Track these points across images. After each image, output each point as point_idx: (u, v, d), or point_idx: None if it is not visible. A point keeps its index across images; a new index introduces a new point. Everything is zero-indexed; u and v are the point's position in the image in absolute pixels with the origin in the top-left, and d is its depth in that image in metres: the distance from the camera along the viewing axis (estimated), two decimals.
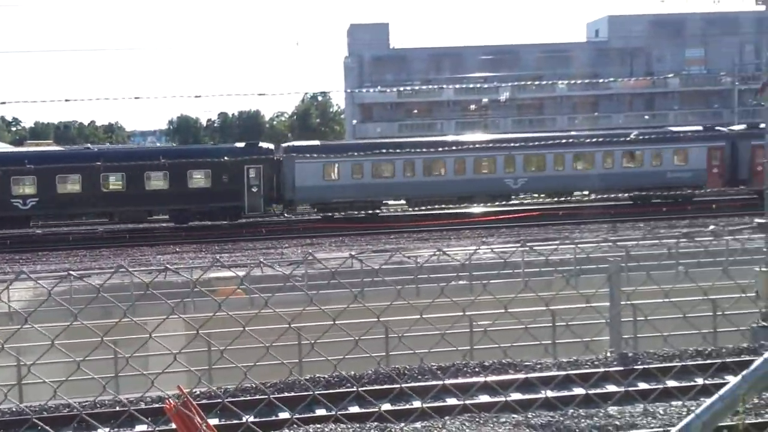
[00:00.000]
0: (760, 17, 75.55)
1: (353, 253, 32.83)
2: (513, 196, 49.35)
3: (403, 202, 49.68)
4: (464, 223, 43.92)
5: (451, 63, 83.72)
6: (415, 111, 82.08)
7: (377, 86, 77.55)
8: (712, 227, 35.14)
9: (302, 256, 30.93)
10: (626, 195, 48.82)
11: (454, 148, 47.84)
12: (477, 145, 48.66)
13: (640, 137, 49.07)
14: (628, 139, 48.60)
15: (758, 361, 2.91)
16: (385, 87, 76.32)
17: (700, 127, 52.49)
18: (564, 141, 48.49)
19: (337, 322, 3.45)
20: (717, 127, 52.19)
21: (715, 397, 2.91)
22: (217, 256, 33.19)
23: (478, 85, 76.63)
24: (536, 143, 48.04)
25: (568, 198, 49.81)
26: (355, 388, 13.94)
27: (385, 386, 14.50)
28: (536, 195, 50.44)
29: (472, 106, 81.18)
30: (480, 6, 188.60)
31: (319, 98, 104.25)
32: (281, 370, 15.17)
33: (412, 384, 14.83)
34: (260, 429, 12.39)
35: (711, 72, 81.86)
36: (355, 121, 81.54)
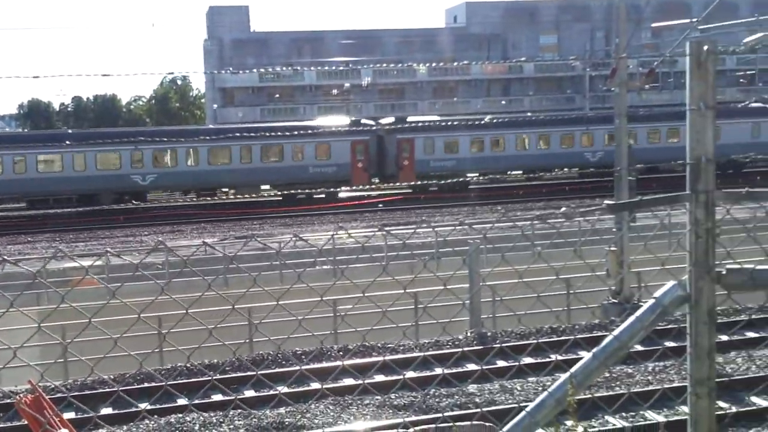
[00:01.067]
0: (610, 4, 78.50)
1: (214, 240, 32.40)
2: (145, 194, 47.31)
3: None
4: (328, 208, 44.00)
5: (313, 47, 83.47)
6: (277, 95, 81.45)
7: (238, 70, 76.56)
8: (563, 209, 36.35)
9: (157, 243, 30.28)
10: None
11: (69, 142, 44.86)
12: (99, 140, 45.11)
13: (287, 132, 47.48)
14: (272, 134, 47.27)
15: (608, 338, 3.01)
16: (242, 70, 75.38)
17: (345, 122, 52.32)
18: (201, 136, 47.26)
19: (192, 311, 3.39)
20: (363, 121, 52.26)
21: (567, 374, 3.01)
22: (60, 245, 32.12)
23: (339, 68, 76.80)
24: (167, 137, 46.34)
25: (211, 196, 48.31)
26: (210, 377, 13.81)
27: (248, 373, 14.41)
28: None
29: (335, 91, 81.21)
30: None
31: (179, 82, 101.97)
32: (146, 360, 14.87)
33: (276, 370, 14.81)
34: (119, 421, 12.16)
35: (564, 58, 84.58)
36: (216, 106, 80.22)
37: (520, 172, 52.97)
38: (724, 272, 2.93)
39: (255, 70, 75.95)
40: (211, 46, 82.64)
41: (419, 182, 44.94)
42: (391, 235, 24.71)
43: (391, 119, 53.81)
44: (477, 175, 51.27)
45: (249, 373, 14.30)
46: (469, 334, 16.58)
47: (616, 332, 3.00)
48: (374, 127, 50.24)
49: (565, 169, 51.06)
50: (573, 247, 21.60)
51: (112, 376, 14.56)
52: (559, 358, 12.69)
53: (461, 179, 47.69)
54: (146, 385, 14.08)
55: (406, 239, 24.67)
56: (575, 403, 3.29)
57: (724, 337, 14.59)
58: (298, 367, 14.13)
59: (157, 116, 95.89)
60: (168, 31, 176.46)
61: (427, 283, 16.91)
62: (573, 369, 3.00)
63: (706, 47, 2.84)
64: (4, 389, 12.92)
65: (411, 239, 27.46)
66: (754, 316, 16.83)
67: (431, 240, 26.65)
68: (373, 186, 49.73)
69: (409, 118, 54.17)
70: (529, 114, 58.35)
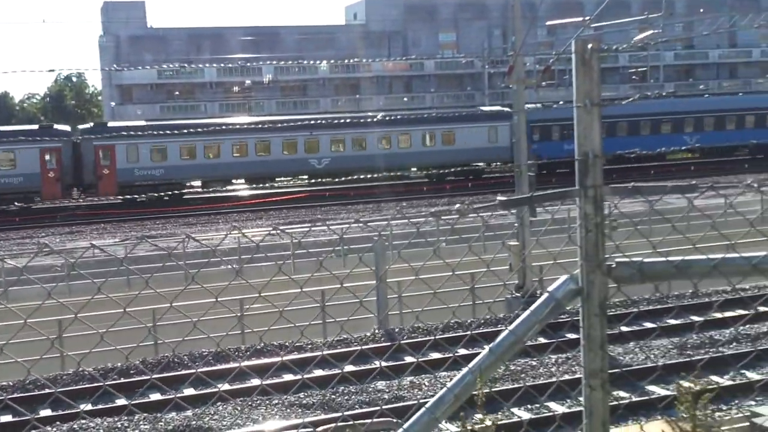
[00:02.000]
0: (507, 3, 79.65)
1: (115, 240, 31.74)
2: None
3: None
4: (232, 206, 43.61)
5: (212, 43, 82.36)
6: (177, 93, 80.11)
7: (135, 67, 74.97)
8: (457, 206, 36.75)
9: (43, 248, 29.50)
10: None
11: None
12: None
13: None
14: None
15: (503, 333, 3.04)
16: (139, 66, 73.81)
17: (35, 127, 48.46)
18: None
19: (80, 316, 3.35)
20: (56, 126, 48.20)
21: (465, 370, 3.03)
22: None
23: (240, 64, 75.94)
24: None
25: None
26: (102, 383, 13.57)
27: (151, 377, 14.18)
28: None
29: (236, 88, 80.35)
30: None
31: (74, 79, 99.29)
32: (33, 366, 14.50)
33: (180, 372, 14.63)
34: (19, 428, 11.82)
35: (463, 55, 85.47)
36: (113, 103, 78.41)
37: (242, 180, 50.03)
38: (614, 265, 2.97)
39: (153, 67, 74.45)
40: (106, 42, 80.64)
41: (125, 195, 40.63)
42: (286, 234, 24.62)
43: (89, 124, 49.87)
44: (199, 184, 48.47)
45: (149, 377, 14.09)
46: (376, 331, 16.67)
47: (511, 327, 3.02)
48: (68, 133, 46.37)
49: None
50: (469, 244, 21.89)
51: (11, 383, 14.16)
52: (464, 352, 12.91)
53: (176, 190, 43.27)
54: (47, 391, 13.73)
55: (302, 238, 24.63)
56: (484, 396, 3.36)
57: (625, 328, 15.08)
58: (197, 370, 14.00)
59: (52, 114, 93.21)
60: (60, 27, 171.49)
61: (336, 281, 16.93)
62: (471, 364, 3.02)
63: (590, 45, 2.88)
64: None
65: (317, 237, 27.44)
66: (650, 307, 17.43)
67: (337, 237, 26.67)
68: (72, 199, 46.10)
69: (111, 123, 50.16)
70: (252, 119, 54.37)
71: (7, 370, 14.20)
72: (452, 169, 46.05)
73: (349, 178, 46.67)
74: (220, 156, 47.11)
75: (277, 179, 50.94)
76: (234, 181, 49.34)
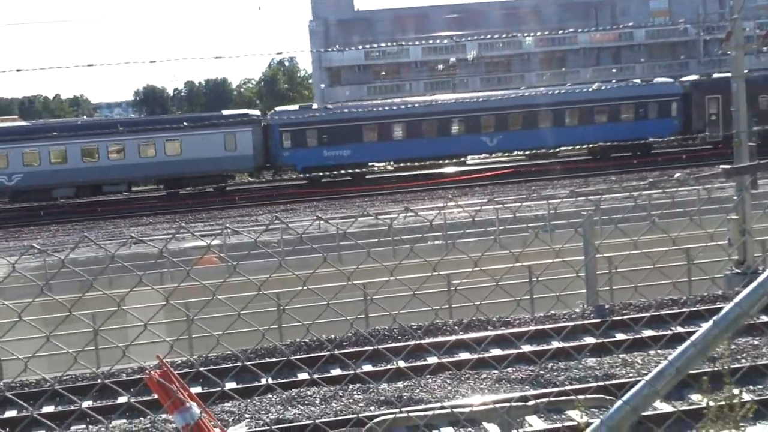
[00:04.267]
0: None
1: (326, 217, 32.81)
2: None
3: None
4: (438, 184, 44.06)
5: (417, 23, 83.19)
6: (383, 73, 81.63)
7: (343, 48, 76.99)
8: (677, 175, 35.24)
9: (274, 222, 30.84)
10: None
11: None
12: None
13: None
14: None
15: (728, 306, 2.94)
16: (348, 48, 75.70)
17: None
18: None
19: (310, 287, 3.46)
20: None
21: (688, 343, 2.95)
22: (182, 224, 33.07)
23: (445, 42, 76.29)
24: None
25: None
26: (328, 351, 14.03)
27: (365, 348, 14.59)
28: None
29: (440, 66, 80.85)
30: None
31: (286, 63, 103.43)
32: (259, 336, 15.22)
33: (392, 345, 14.94)
34: (241, 394, 12.50)
35: (675, 23, 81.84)
36: (323, 85, 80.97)
37: None
38: None
39: (361, 47, 76.18)
40: (316, 26, 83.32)
41: None
42: (503, 208, 24.48)
43: None
44: None
45: (365, 348, 14.47)
46: (585, 307, 16.35)
47: (737, 299, 2.92)
48: None
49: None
50: (690, 216, 20.96)
51: (234, 351, 14.96)
52: (680, 329, 12.40)
53: None
54: (267, 360, 14.42)
55: (516, 211, 24.38)
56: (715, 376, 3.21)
57: None
58: (413, 341, 14.25)
59: (266, 98, 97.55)
60: (274, 13, 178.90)
61: (541, 256, 16.75)
62: (693, 337, 2.94)
63: None
64: (133, 365, 13.47)
65: (523, 212, 27.21)
66: None
67: (543, 212, 26.32)
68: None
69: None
70: None
71: (230, 340, 15.02)
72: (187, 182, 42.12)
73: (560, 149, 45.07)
74: None
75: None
76: None
